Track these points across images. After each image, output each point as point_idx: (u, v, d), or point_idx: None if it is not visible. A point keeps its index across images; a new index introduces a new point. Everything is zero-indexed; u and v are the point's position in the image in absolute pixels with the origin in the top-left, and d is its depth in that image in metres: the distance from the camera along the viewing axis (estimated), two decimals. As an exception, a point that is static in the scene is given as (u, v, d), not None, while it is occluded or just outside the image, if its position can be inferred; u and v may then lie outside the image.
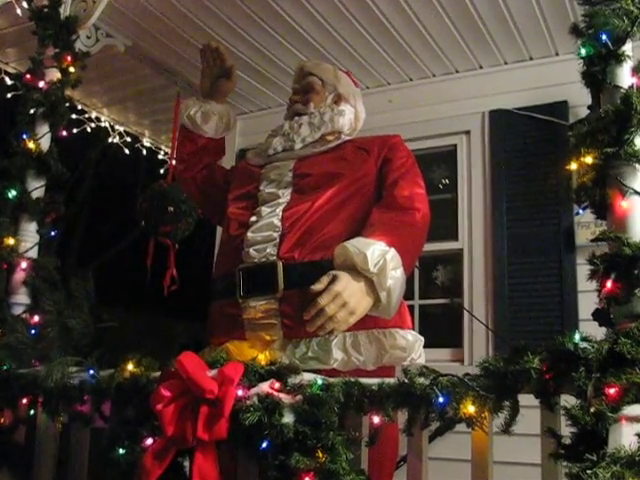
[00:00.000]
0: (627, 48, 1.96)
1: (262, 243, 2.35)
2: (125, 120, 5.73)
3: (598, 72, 1.96)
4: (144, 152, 6.07)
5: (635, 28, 1.93)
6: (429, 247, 2.62)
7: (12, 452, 2.56)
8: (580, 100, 3.53)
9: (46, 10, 3.42)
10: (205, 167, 2.89)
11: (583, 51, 1.98)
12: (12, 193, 3.09)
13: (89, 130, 5.58)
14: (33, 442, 2.51)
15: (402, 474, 2.00)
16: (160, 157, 6.17)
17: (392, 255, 2.17)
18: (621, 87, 1.93)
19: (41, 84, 3.26)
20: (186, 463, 1.91)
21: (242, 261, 2.37)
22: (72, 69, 3.35)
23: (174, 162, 3.17)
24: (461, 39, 4.26)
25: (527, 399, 1.74)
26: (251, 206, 2.51)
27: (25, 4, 3.53)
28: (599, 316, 1.82)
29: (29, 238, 3.11)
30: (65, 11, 3.53)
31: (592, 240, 1.92)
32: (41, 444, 2.49)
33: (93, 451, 2.38)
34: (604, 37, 1.94)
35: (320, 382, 1.85)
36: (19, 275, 3.03)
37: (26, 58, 3.57)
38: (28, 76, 3.30)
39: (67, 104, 3.36)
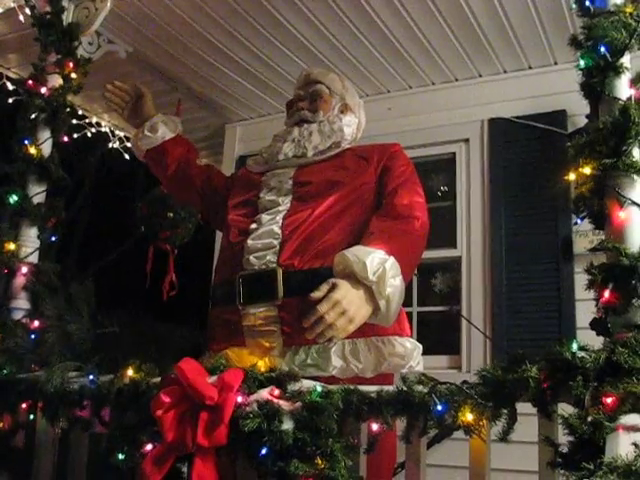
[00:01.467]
0: (625, 60, 1.98)
1: (262, 250, 2.36)
2: (125, 125, 5.73)
3: (597, 83, 1.98)
4: (143, 158, 6.07)
5: (633, 40, 1.95)
6: (427, 254, 2.63)
7: (11, 457, 2.56)
8: (579, 109, 3.54)
9: (49, 17, 3.44)
10: (203, 170, 2.92)
11: (582, 62, 2.00)
12: (13, 198, 3.11)
13: (89, 135, 5.59)
14: (32, 447, 2.51)
15: (400, 481, 2.01)
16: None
17: (391, 263, 2.18)
18: (619, 99, 1.94)
19: (43, 90, 3.27)
20: (185, 469, 1.92)
21: (242, 268, 2.38)
22: (74, 75, 3.37)
23: (162, 187, 3.23)
24: (460, 48, 4.27)
25: (525, 407, 1.75)
26: (251, 213, 2.52)
27: (28, 10, 3.54)
28: (597, 325, 1.84)
29: (30, 243, 3.12)
30: (67, 18, 3.55)
31: (590, 250, 1.93)
32: (40, 449, 2.49)
33: (92, 456, 2.39)
34: (603, 49, 1.96)
35: (319, 389, 1.86)
36: (19, 280, 3.04)
37: (28, 64, 3.59)
38: (30, 82, 3.32)
39: (68, 110, 3.38)
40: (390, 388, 1.86)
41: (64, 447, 2.47)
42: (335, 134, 2.63)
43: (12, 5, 3.74)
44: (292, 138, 2.63)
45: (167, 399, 1.92)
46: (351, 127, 2.71)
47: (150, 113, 2.99)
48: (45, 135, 3.26)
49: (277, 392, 1.89)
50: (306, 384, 1.92)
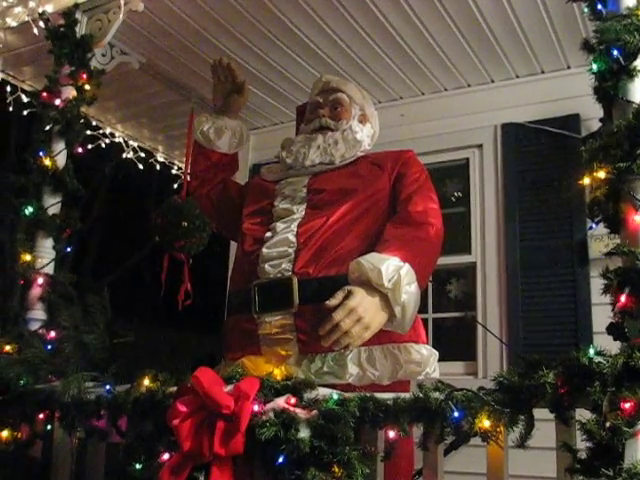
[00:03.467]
0: (638, 63, 1.97)
1: (277, 259, 2.37)
2: (139, 136, 5.76)
3: (610, 87, 1.97)
4: (158, 167, 6.10)
5: (646, 43, 1.94)
6: (442, 261, 2.63)
7: (29, 467, 2.57)
8: (592, 113, 3.52)
9: (62, 29, 3.48)
10: (220, 183, 2.92)
11: (595, 66, 2.00)
12: (29, 210, 3.13)
13: (103, 146, 5.62)
14: (50, 457, 2.53)
15: (418, 489, 2.00)
16: (174, 172, 6.20)
17: (406, 270, 2.18)
18: (633, 102, 1.94)
19: (57, 102, 3.31)
20: (202, 478, 1.92)
21: (257, 277, 2.38)
22: (88, 87, 3.40)
23: (189, 178, 3.20)
24: (472, 53, 4.27)
25: (542, 413, 1.74)
26: (266, 222, 2.53)
27: (42, 24, 3.57)
28: (613, 330, 1.82)
29: (45, 254, 3.14)
30: (81, 30, 3.59)
31: (605, 254, 1.92)
32: (58, 459, 2.51)
33: (109, 466, 2.39)
34: (615, 52, 1.95)
35: (336, 397, 1.86)
36: (36, 291, 3.06)
37: (42, 76, 3.62)
38: (44, 94, 3.35)
39: (82, 121, 3.41)
40: (406, 395, 1.86)
41: (81, 457, 2.48)
42: (358, 144, 2.64)
43: (26, 19, 3.77)
44: (317, 145, 2.62)
45: (184, 408, 1.92)
46: (369, 137, 2.73)
47: (232, 112, 2.95)
48: (60, 146, 3.29)
49: (293, 400, 1.89)
50: (322, 392, 1.93)
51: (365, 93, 2.85)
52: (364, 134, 2.68)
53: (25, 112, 4.72)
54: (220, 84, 2.94)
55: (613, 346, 1.77)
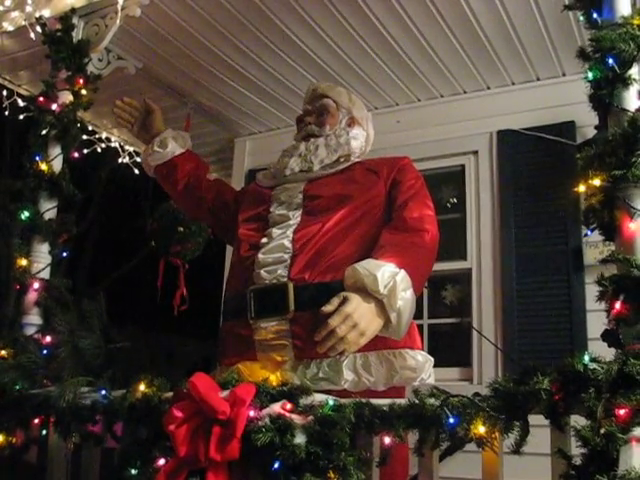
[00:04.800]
0: (633, 72, 1.99)
1: (273, 264, 2.37)
2: (135, 140, 5.75)
3: (605, 95, 1.99)
4: (152, 173, 6.10)
5: (641, 52, 1.96)
6: (438, 267, 2.63)
7: (24, 472, 2.57)
8: (587, 120, 3.54)
9: (59, 34, 3.49)
10: (212, 185, 2.94)
11: (590, 74, 2.01)
12: (25, 214, 3.13)
13: (99, 150, 5.62)
14: (45, 462, 2.52)
15: (413, 494, 2.00)
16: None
17: (402, 276, 2.18)
18: (628, 110, 1.96)
19: (54, 106, 3.31)
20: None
21: (253, 282, 2.38)
22: (84, 91, 3.40)
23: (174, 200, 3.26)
24: (468, 60, 4.28)
25: (537, 419, 1.75)
26: (262, 228, 2.53)
27: (39, 28, 3.58)
28: (608, 337, 1.83)
29: (41, 259, 3.14)
30: (77, 35, 3.60)
31: (601, 261, 1.93)
32: (53, 464, 2.50)
33: (105, 471, 2.39)
34: (611, 61, 1.97)
35: (331, 403, 1.86)
36: (31, 296, 3.06)
37: (39, 81, 3.63)
38: (41, 99, 3.36)
39: (78, 125, 3.41)
40: (402, 401, 1.86)
41: (77, 462, 2.47)
42: (342, 147, 2.64)
43: (23, 23, 3.77)
44: (299, 153, 2.64)
45: (179, 414, 1.92)
46: (359, 140, 2.72)
47: (160, 128, 3.01)
48: (56, 151, 3.30)
49: (289, 406, 1.89)
50: (318, 398, 1.93)
51: (354, 96, 2.85)
52: (350, 137, 2.68)
53: (21, 117, 4.72)
54: (133, 123, 3.05)
55: (607, 353, 1.77)
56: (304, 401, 1.92)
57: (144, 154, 3.03)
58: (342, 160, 2.65)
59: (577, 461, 1.63)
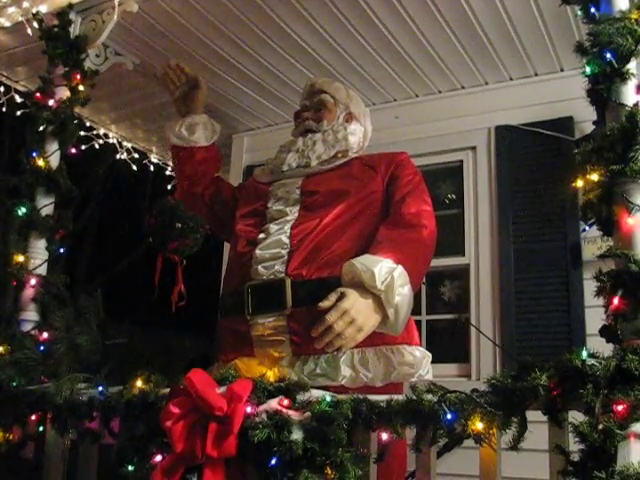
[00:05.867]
0: (631, 66, 1.98)
1: (270, 260, 2.36)
2: (133, 136, 5.76)
3: (603, 90, 1.98)
4: (152, 168, 6.10)
5: (639, 47, 1.95)
6: (436, 263, 2.63)
7: (21, 468, 2.57)
8: (585, 115, 3.53)
9: (56, 30, 3.48)
10: (212, 183, 2.92)
11: (588, 69, 2.00)
12: (22, 210, 3.12)
13: (97, 146, 5.61)
14: (42, 458, 2.52)
15: (410, 491, 2.00)
16: (168, 173, 6.19)
17: (399, 272, 2.18)
18: (626, 105, 1.95)
19: (51, 102, 3.30)
20: (195, 480, 1.91)
21: (250, 278, 2.38)
22: (81, 87, 3.39)
23: (177, 183, 3.21)
24: (466, 55, 4.28)
25: (535, 415, 1.74)
26: (259, 223, 2.52)
27: (36, 24, 3.57)
28: (606, 333, 1.83)
29: (38, 255, 3.13)
30: (75, 30, 3.59)
31: (599, 256, 1.93)
32: (50, 460, 2.50)
33: (102, 468, 2.39)
34: (609, 55, 1.96)
35: (329, 399, 1.86)
36: (28, 292, 3.05)
37: (36, 76, 3.61)
38: (38, 94, 3.35)
39: (76, 121, 3.40)
40: (400, 397, 1.86)
41: (73, 458, 2.47)
42: (339, 143, 2.64)
43: (20, 19, 3.76)
44: (296, 148, 2.64)
45: (176, 410, 1.92)
46: (356, 135, 2.72)
47: (197, 108, 2.98)
48: (53, 147, 3.29)
49: (286, 402, 1.89)
50: (315, 394, 1.92)
51: (351, 92, 2.85)
52: (347, 132, 2.67)
53: (18, 112, 4.71)
54: (176, 88, 2.99)
55: (606, 348, 1.77)
56: (301, 397, 1.91)
57: (170, 127, 2.98)
58: (340, 156, 2.64)
59: (575, 457, 1.62)
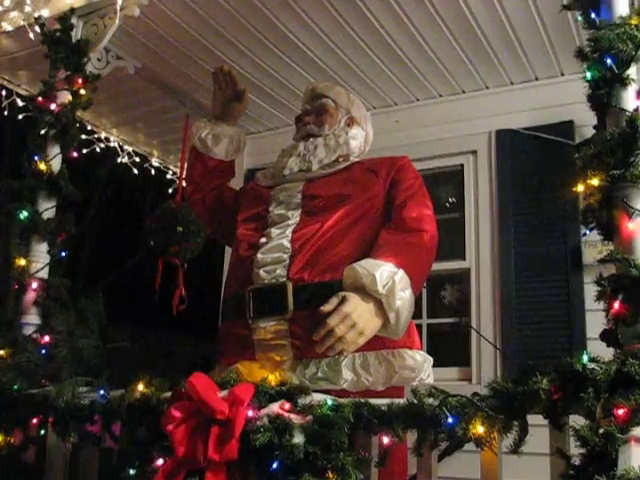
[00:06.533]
0: (632, 71, 1.99)
1: (272, 264, 2.37)
2: (134, 140, 5.76)
3: (603, 95, 1.99)
4: (152, 172, 6.10)
5: (639, 52, 1.96)
6: (436, 266, 2.62)
7: (22, 472, 2.57)
8: (586, 120, 3.50)
9: (58, 34, 3.49)
10: (214, 189, 2.93)
11: (589, 74, 2.01)
12: (24, 214, 3.13)
13: (98, 150, 5.62)
14: (43, 462, 2.52)
15: (412, 494, 2.00)
16: (168, 177, 6.20)
17: (401, 276, 2.19)
18: (626, 110, 1.95)
19: (53, 106, 3.31)
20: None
21: (252, 282, 2.38)
22: (83, 91, 3.40)
23: (184, 184, 3.19)
24: (467, 60, 4.29)
25: (536, 419, 1.75)
26: (261, 227, 2.53)
27: (38, 28, 3.58)
28: (607, 337, 1.84)
29: (40, 259, 3.14)
30: (77, 35, 3.59)
31: (599, 261, 1.93)
32: (51, 464, 2.50)
33: (103, 471, 2.39)
34: (609, 61, 1.97)
35: (330, 403, 1.86)
36: (30, 295, 3.06)
37: (37, 80, 3.62)
38: (40, 98, 3.36)
39: (77, 125, 3.41)
40: (401, 401, 1.86)
41: (75, 462, 2.47)
42: (340, 147, 2.64)
43: (22, 23, 3.77)
44: (298, 152, 2.64)
45: (178, 414, 1.92)
46: (358, 140, 2.72)
47: (230, 119, 2.95)
48: (55, 151, 3.29)
49: (288, 406, 1.89)
50: (317, 398, 1.93)
51: (352, 96, 2.85)
52: (349, 136, 2.68)
53: (20, 116, 4.72)
54: (220, 92, 2.94)
55: (606, 352, 1.77)
56: (303, 401, 1.92)
57: (197, 126, 2.94)
58: (341, 160, 2.65)
59: (576, 461, 1.63)
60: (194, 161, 2.93)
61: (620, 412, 1.58)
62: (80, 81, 3.41)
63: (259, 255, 2.41)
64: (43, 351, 2.79)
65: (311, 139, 2.66)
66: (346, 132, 2.69)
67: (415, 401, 1.82)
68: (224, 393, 1.93)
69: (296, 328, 2.28)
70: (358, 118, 2.78)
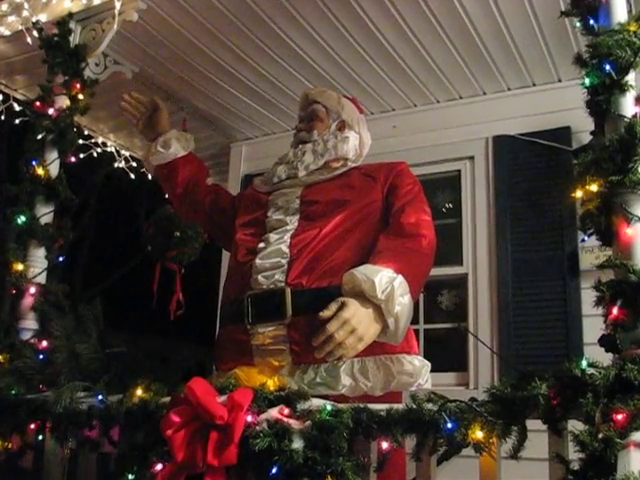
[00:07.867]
0: (630, 78, 2.00)
1: (270, 270, 2.37)
2: (131, 145, 5.76)
3: (602, 101, 1.99)
4: (149, 176, 6.09)
5: (638, 58, 1.97)
6: (434, 272, 2.62)
7: (20, 478, 2.56)
8: (583, 126, 3.54)
9: (56, 39, 3.49)
10: (211, 190, 2.94)
11: (587, 81, 2.02)
12: (21, 219, 3.13)
13: (95, 155, 5.61)
14: (41, 468, 2.51)
15: (410, 500, 2.00)
16: (165, 182, 6.20)
17: (400, 282, 2.19)
18: (625, 116, 1.96)
19: (50, 111, 3.31)
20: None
21: (250, 287, 2.38)
22: (81, 96, 3.40)
23: (169, 198, 3.25)
24: (465, 66, 4.30)
25: (535, 424, 1.75)
26: (259, 233, 2.53)
27: (35, 33, 3.58)
28: (605, 342, 1.84)
29: (38, 264, 3.14)
30: (74, 39, 3.59)
31: (598, 266, 1.94)
32: (49, 470, 2.49)
33: (101, 477, 2.38)
34: (608, 67, 1.98)
35: (329, 408, 1.86)
36: (28, 300, 3.05)
37: (34, 85, 3.62)
38: (37, 103, 3.36)
39: (75, 130, 3.41)
40: (400, 406, 1.86)
41: (73, 468, 2.47)
42: (328, 152, 2.64)
43: (20, 28, 3.77)
44: (287, 160, 2.67)
45: (177, 419, 1.92)
46: (350, 143, 2.71)
47: (164, 128, 3.03)
48: (52, 156, 3.29)
49: (287, 411, 1.89)
50: (316, 403, 1.93)
51: (343, 100, 2.84)
52: (338, 140, 2.68)
53: (17, 121, 4.72)
54: (140, 119, 3.06)
55: (603, 358, 1.78)
56: (302, 406, 1.92)
57: (146, 152, 3.04)
58: (338, 165, 2.65)
59: (575, 466, 1.63)
60: (166, 177, 3.00)
61: (619, 417, 1.58)
62: (78, 86, 3.41)
63: (258, 260, 2.41)
64: (41, 356, 2.78)
65: (300, 146, 2.68)
66: (336, 136, 2.69)
67: (414, 406, 1.82)
68: (223, 398, 1.93)
69: (294, 333, 2.28)
70: (350, 121, 2.78)
